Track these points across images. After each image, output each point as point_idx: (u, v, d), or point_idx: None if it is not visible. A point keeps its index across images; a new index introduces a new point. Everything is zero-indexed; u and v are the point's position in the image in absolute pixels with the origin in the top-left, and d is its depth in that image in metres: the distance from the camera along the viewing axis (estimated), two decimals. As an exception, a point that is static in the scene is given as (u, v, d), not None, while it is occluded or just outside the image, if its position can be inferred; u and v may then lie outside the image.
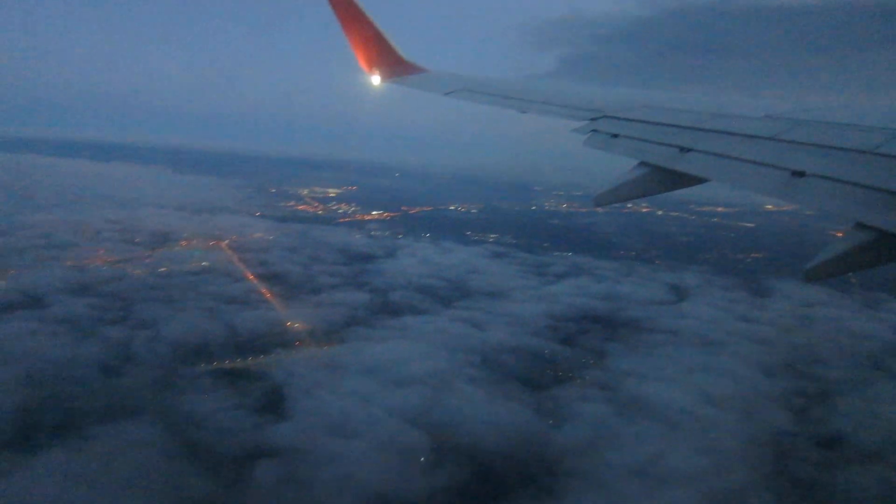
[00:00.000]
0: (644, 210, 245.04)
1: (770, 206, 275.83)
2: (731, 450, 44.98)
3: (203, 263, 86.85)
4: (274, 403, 46.44)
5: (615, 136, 8.56)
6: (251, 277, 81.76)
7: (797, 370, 64.47)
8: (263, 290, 75.93)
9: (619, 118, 9.24)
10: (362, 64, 15.98)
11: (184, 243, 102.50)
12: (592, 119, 9.45)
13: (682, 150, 7.33)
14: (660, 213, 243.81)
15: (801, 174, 5.69)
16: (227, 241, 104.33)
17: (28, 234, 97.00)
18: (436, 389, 50.11)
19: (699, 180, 6.94)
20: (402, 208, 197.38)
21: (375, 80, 15.70)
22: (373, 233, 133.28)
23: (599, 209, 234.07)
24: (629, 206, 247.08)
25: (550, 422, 47.20)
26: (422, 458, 41.04)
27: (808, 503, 40.27)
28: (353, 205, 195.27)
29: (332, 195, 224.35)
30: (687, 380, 57.39)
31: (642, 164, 7.61)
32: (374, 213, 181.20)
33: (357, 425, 43.29)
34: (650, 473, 40.47)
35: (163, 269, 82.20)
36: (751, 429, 48.99)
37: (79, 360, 51.93)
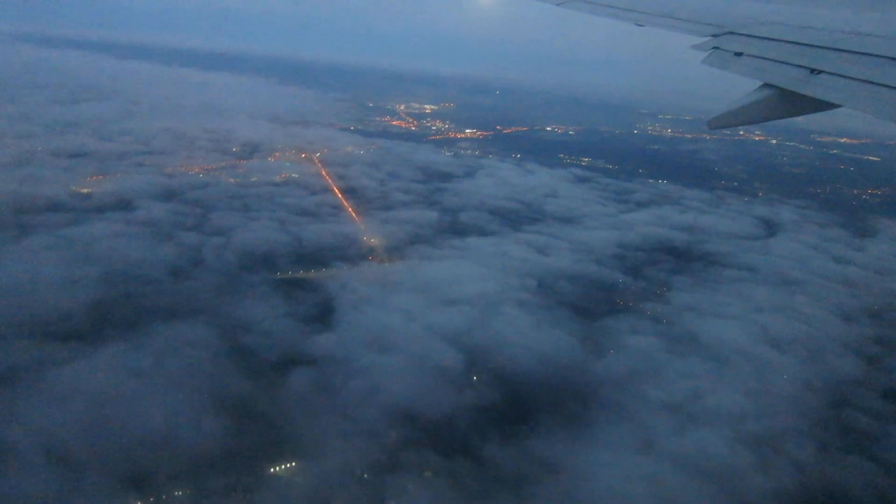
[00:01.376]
0: (757, 138, 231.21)
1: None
2: (781, 393, 43.13)
3: (285, 175, 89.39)
4: (322, 315, 47.98)
5: (739, 54, 8.07)
6: (327, 191, 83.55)
7: (882, 317, 60.50)
8: (336, 205, 77.55)
9: (744, 35, 8.67)
10: None
11: (277, 154, 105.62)
12: (715, 35, 8.95)
13: (813, 71, 6.79)
14: (774, 141, 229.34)
15: None
16: (312, 155, 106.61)
17: (129, 140, 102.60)
18: (482, 311, 50.26)
19: (829, 106, 6.46)
20: (497, 127, 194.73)
21: None
22: (461, 151, 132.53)
23: (707, 136, 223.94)
24: (741, 132, 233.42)
25: (593, 352, 46.48)
26: (474, 377, 41.71)
27: (857, 454, 38.09)
28: (447, 122, 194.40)
29: (427, 111, 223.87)
30: (752, 319, 54.93)
31: (766, 85, 7.17)
32: (467, 131, 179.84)
33: (396, 341, 44.20)
34: (684, 411, 39.44)
35: (246, 180, 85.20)
36: (810, 374, 46.61)
37: (153, 261, 55.21)
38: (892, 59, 6.34)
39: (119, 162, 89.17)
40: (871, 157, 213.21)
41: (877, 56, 6.55)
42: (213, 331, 44.18)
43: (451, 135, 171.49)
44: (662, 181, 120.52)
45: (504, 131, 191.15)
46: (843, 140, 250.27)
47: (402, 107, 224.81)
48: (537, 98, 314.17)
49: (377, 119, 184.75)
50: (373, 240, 65.97)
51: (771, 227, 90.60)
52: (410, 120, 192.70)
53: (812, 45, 7.46)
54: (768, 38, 8.22)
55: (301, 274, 56.29)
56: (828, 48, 7.22)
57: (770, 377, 45.19)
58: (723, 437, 36.88)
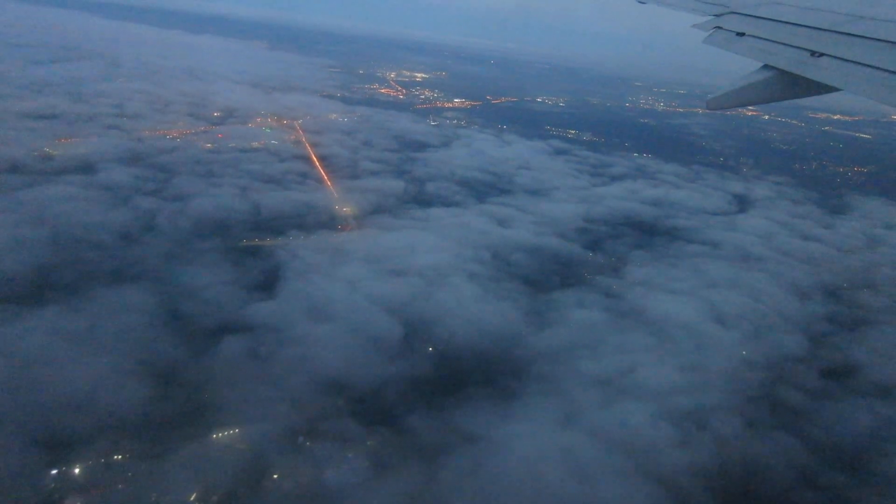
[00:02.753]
0: (749, 113, 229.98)
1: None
2: (718, 369, 43.18)
3: (256, 142, 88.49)
4: (267, 283, 47.80)
5: (741, 34, 8.15)
6: (297, 158, 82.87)
7: (837, 294, 60.53)
8: (304, 172, 76.93)
9: (746, 14, 8.77)
10: None
11: (252, 120, 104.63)
12: (717, 15, 9.03)
13: (814, 54, 6.79)
14: (766, 117, 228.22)
15: None
16: (288, 121, 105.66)
17: (103, 102, 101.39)
18: (429, 282, 50.17)
19: (829, 89, 6.46)
20: (487, 97, 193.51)
21: None
22: (445, 121, 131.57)
23: (699, 110, 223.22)
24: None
25: (535, 325, 46.47)
26: (430, 349, 41.89)
27: (784, 431, 38.30)
28: (436, 91, 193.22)
29: (418, 80, 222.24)
30: (703, 294, 54.90)
31: (766, 66, 7.16)
32: (455, 100, 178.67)
33: (336, 310, 44.13)
34: (614, 385, 39.49)
35: (215, 145, 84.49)
36: (751, 350, 46.73)
37: (104, 225, 54.78)
38: (893, 42, 6.31)
39: (89, 124, 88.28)
40: (862, 135, 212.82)
41: (878, 40, 6.50)
42: (154, 296, 44.06)
43: (439, 104, 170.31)
44: (645, 155, 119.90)
45: (493, 101, 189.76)
46: (836, 117, 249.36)
47: (393, 75, 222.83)
48: (531, 69, 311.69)
49: (365, 87, 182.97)
50: (333, 208, 65.66)
51: (743, 203, 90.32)
52: (399, 88, 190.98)
53: (814, 28, 7.50)
54: (770, 19, 8.23)
55: (253, 242, 56.02)
56: (829, 31, 7.21)
57: (709, 353, 45.22)
58: (647, 411, 36.98)
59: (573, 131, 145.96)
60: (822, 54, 6.70)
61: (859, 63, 6.20)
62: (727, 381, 42.10)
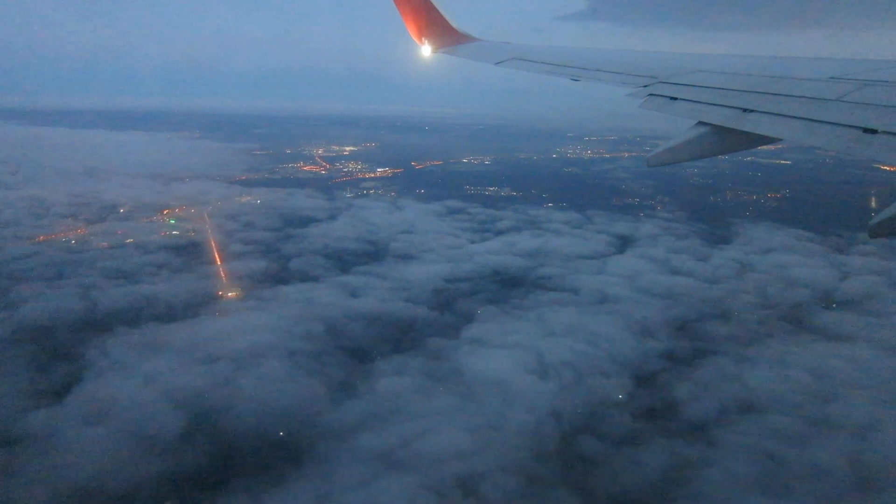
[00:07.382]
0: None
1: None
2: (515, 426, 41.65)
3: (125, 238, 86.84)
4: (63, 387, 45.70)
5: (673, 98, 8.57)
6: (162, 249, 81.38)
7: (685, 328, 59.94)
8: (162, 263, 75.36)
9: (674, 83, 9.24)
10: (413, 34, 16.05)
11: (141, 214, 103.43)
12: (646, 86, 9.51)
13: (745, 111, 7.26)
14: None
15: (872, 131, 5.68)
16: (171, 212, 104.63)
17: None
18: (239, 367, 48.48)
19: (764, 140, 6.90)
20: (411, 164, 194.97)
21: (426, 50, 15.82)
22: (363, 192, 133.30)
23: (626, 154, 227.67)
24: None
25: (337, 400, 44.81)
26: (183, 442, 40.19)
27: (565, 487, 36.67)
28: (360, 163, 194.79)
29: (346, 153, 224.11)
30: (534, 346, 53.71)
31: (701, 123, 7.48)
32: (378, 170, 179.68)
33: (117, 410, 42.20)
34: (391, 457, 37.78)
35: (79, 245, 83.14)
36: (561, 400, 45.35)
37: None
38: (816, 98, 6.98)
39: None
40: (782, 161, 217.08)
41: (802, 97, 7.18)
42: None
43: (360, 175, 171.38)
44: (549, 205, 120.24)
45: (416, 167, 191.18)
46: (761, 147, 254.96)
47: (321, 150, 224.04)
48: (465, 131, 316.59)
49: (287, 166, 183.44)
50: (174, 299, 63.88)
51: (625, 244, 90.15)
52: (323, 164, 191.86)
53: (739, 90, 8.05)
54: (699, 86, 8.76)
55: (70, 344, 53.86)
56: (755, 91, 7.79)
57: (513, 409, 43.67)
58: (412, 484, 35.23)
59: (493, 188, 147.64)
60: (752, 111, 7.17)
61: (788, 116, 6.71)
62: (521, 437, 40.57)
